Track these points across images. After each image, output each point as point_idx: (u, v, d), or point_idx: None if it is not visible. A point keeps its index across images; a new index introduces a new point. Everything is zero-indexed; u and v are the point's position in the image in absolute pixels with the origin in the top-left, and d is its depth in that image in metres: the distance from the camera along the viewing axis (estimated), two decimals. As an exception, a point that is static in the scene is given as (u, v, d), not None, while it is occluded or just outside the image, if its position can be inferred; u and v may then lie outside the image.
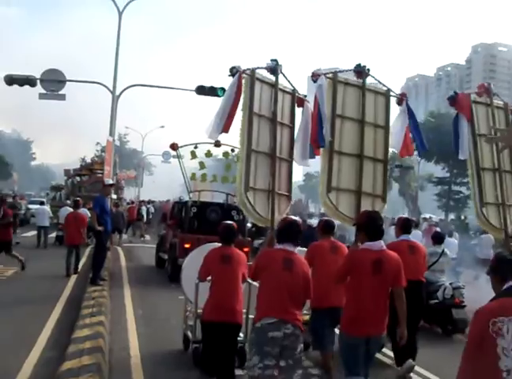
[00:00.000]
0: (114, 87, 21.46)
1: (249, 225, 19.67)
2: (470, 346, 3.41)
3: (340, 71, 7.44)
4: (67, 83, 21.07)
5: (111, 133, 21.47)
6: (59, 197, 30.62)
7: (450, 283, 10.32)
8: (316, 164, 8.04)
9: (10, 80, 19.90)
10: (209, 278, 6.55)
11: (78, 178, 30.11)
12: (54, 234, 21.95)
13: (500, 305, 3.42)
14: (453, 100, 7.57)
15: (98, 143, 72.34)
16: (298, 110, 7.68)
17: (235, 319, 6.37)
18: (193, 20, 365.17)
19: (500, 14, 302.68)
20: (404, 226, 8.03)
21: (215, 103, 7.40)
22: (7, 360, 6.85)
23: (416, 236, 21.19)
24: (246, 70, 6.96)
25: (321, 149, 7.31)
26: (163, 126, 60.67)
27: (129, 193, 72.82)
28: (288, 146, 7.47)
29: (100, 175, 25.32)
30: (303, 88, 8.66)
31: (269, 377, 5.24)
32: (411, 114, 7.79)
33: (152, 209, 33.49)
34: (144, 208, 30.49)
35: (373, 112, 7.50)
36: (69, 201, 23.57)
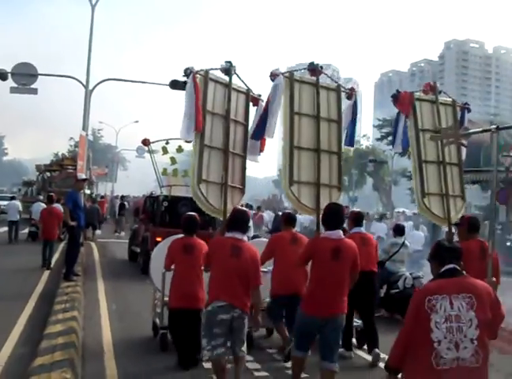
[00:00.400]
0: (87, 81, 21.26)
1: None
2: (409, 318, 3.89)
3: (295, 70, 7.79)
4: (40, 77, 20.81)
5: (84, 128, 21.27)
6: (31, 192, 30.32)
7: (411, 273, 10.77)
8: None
9: (-20, 74, 19.60)
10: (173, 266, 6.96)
11: (49, 174, 29.81)
12: (26, 230, 21.73)
13: (436, 285, 3.90)
14: (396, 98, 7.96)
15: (71, 138, 71.67)
16: (253, 109, 8.05)
17: (197, 305, 6.68)
18: (167, 15, 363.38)
19: (472, 11, 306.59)
20: (356, 219, 8.38)
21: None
22: (-22, 356, 6.77)
23: (381, 229, 21.68)
24: (200, 71, 7.30)
25: (282, 145, 7.66)
26: (137, 121, 60.36)
27: (103, 189, 72.29)
28: (242, 142, 7.85)
29: (71, 171, 25.09)
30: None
31: (218, 355, 5.73)
32: (355, 109, 8.21)
33: (126, 204, 33.30)
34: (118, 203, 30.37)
35: (326, 107, 7.85)
36: (41, 197, 23.32)
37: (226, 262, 5.88)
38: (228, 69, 7.53)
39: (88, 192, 26.84)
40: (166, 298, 7.49)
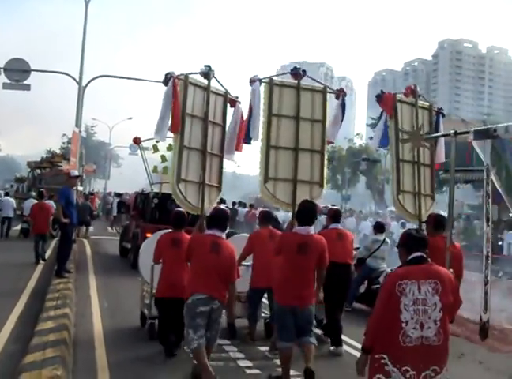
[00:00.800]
0: (81, 77, 21.25)
1: None
2: (381, 301, 4.29)
3: (279, 74, 8.41)
4: (34, 74, 20.75)
5: (77, 124, 21.24)
6: (22, 188, 30.21)
7: (391, 269, 10.82)
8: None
9: (-27, 70, 19.52)
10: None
11: (39, 171, 29.73)
12: (18, 227, 21.65)
13: (406, 271, 4.33)
14: (380, 98, 8.31)
15: (64, 134, 71.17)
16: (230, 111, 8.43)
17: (183, 294, 6.82)
18: (162, 13, 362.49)
19: (466, 11, 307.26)
20: (334, 216, 9.01)
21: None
22: (-32, 354, 6.75)
23: (366, 227, 21.88)
24: (180, 75, 7.67)
25: (260, 145, 8.14)
26: (130, 118, 60.29)
27: (96, 185, 72.11)
28: (219, 143, 8.23)
29: (61, 168, 25.00)
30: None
31: (201, 345, 6.10)
32: (344, 109, 8.63)
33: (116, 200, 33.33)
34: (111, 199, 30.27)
35: (310, 108, 8.31)
36: (33, 193, 23.26)
37: (206, 257, 6.28)
38: (207, 73, 7.92)
39: (80, 189, 26.77)
40: (154, 290, 7.85)
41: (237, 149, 8.59)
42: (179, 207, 8.08)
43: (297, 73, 8.30)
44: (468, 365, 7.97)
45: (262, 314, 8.83)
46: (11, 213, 21.06)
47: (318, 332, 8.50)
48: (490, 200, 5.13)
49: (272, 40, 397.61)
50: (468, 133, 5.03)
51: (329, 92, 8.62)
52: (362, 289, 11.39)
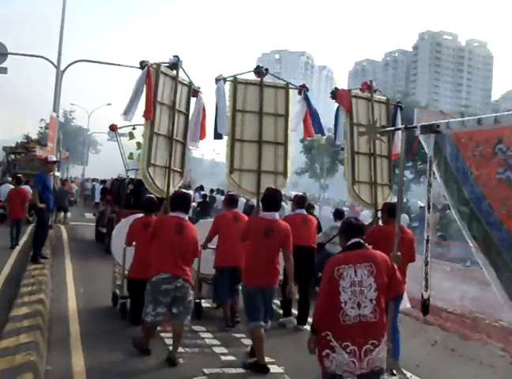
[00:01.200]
0: (59, 61, 20.99)
1: (194, 205, 20.77)
2: (323, 285, 4.72)
3: (240, 73, 8.94)
4: (12, 57, 20.45)
5: (55, 109, 21.00)
6: (-3, 173, 29.84)
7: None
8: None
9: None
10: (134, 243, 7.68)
11: (13, 156, 29.42)
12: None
13: (344, 256, 4.77)
14: (334, 95, 8.74)
15: (42, 119, 70.35)
16: (194, 100, 9.00)
17: None
18: (145, 1, 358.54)
19: (447, 3, 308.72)
20: (299, 202, 9.58)
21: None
22: None
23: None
24: (153, 64, 8.09)
25: (225, 139, 8.79)
26: (110, 104, 59.60)
27: (74, 171, 71.44)
28: (183, 130, 8.74)
29: (36, 154, 24.72)
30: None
31: (159, 321, 6.62)
32: (309, 102, 9.23)
33: (97, 186, 33.22)
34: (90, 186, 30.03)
35: (273, 104, 8.92)
36: (9, 178, 22.98)
37: (170, 238, 6.70)
38: (176, 64, 8.41)
39: (58, 174, 26.49)
40: (126, 272, 8.30)
41: (201, 137, 9.14)
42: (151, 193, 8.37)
43: (260, 71, 8.90)
44: (441, 352, 8.12)
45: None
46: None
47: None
48: (431, 189, 5.47)
49: (254, 29, 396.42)
50: (416, 127, 5.35)
51: (292, 88, 9.21)
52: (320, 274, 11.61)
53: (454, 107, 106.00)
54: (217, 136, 8.92)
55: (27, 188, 16.81)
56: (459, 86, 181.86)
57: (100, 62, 25.48)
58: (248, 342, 7.38)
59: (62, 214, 23.33)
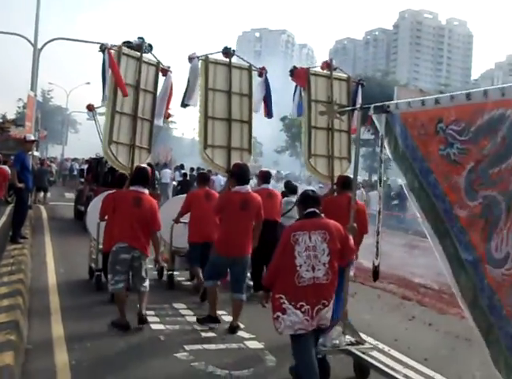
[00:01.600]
0: (36, 39, 20.68)
1: (174, 183, 21.01)
2: (279, 249, 5.19)
3: (210, 53, 9.25)
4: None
5: (33, 88, 20.74)
6: (-28, 154, 29.45)
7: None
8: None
9: None
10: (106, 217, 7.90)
11: (-12, 136, 29.08)
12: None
13: (299, 224, 5.28)
14: (292, 73, 9.09)
15: (20, 99, 69.23)
16: (162, 79, 9.30)
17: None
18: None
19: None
20: (264, 177, 10.18)
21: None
22: None
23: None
24: (113, 47, 8.40)
25: (198, 116, 9.08)
26: (88, 83, 58.80)
27: (53, 151, 70.61)
28: (150, 109, 9.04)
29: (11, 133, 24.45)
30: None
31: (119, 289, 7.02)
32: (267, 84, 9.67)
33: (76, 166, 32.98)
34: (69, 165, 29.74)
35: (239, 84, 9.36)
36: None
37: (129, 211, 7.11)
38: (140, 45, 8.77)
39: (37, 154, 26.26)
40: (100, 246, 8.75)
41: (165, 116, 9.55)
42: None
43: (228, 52, 9.28)
44: (419, 327, 8.26)
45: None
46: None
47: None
48: (383, 165, 5.92)
49: (234, 7, 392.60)
50: (369, 108, 5.68)
51: (254, 70, 9.63)
52: None
53: (434, 86, 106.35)
54: (183, 105, 9.21)
55: (5, 168, 16.61)
56: (439, 65, 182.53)
57: (78, 40, 25.18)
58: (229, 318, 7.52)
59: (42, 194, 23.19)
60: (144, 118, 8.91)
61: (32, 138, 14.08)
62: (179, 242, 9.43)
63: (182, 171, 25.56)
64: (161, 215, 8.94)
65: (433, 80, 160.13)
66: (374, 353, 6.27)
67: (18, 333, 5.85)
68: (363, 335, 7.29)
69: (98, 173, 16.38)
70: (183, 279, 9.99)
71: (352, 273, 7.37)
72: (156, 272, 9.89)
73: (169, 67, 9.32)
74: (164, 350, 6.36)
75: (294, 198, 11.67)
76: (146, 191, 7.38)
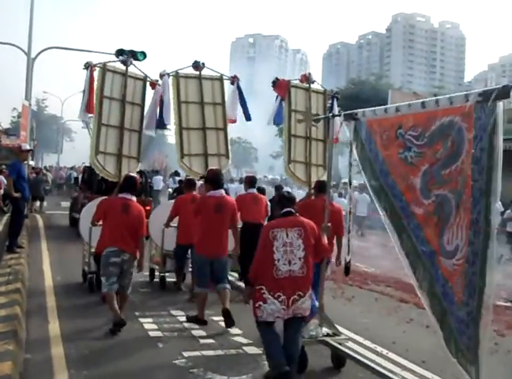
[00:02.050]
0: (29, 49, 20.70)
1: (170, 190, 21.19)
2: (259, 246, 5.60)
3: (180, 69, 9.91)
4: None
5: (27, 97, 20.77)
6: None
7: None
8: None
9: None
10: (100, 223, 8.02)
11: (-21, 146, 29.09)
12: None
13: (277, 222, 5.72)
14: (275, 84, 9.71)
15: (15, 108, 69.13)
16: (151, 92, 9.84)
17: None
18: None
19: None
20: (250, 182, 10.85)
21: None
22: None
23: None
24: (98, 64, 9.02)
25: (174, 128, 9.84)
26: (83, 91, 58.75)
27: (48, 160, 70.52)
28: (139, 120, 9.55)
29: (2, 143, 24.48)
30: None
31: (112, 290, 7.26)
32: (240, 91, 10.37)
33: (74, 174, 32.99)
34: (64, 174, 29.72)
35: (211, 94, 9.98)
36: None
37: (117, 217, 7.43)
38: (125, 61, 9.27)
39: (32, 163, 26.24)
40: (93, 250, 8.84)
41: (157, 126, 10.07)
42: None
43: (198, 65, 9.90)
44: (416, 329, 8.28)
45: (189, 270, 9.74)
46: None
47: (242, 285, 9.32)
48: (351, 168, 6.25)
49: (228, 13, 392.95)
50: (339, 115, 6.19)
51: (225, 79, 10.27)
52: None
53: (428, 89, 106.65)
54: (161, 125, 9.96)
55: (0, 178, 16.64)
56: (432, 67, 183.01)
57: (72, 49, 25.20)
58: (217, 319, 7.86)
59: (38, 203, 23.17)
60: (133, 129, 9.38)
61: (28, 148, 14.09)
62: (170, 245, 9.73)
63: (177, 178, 25.54)
64: (152, 220, 9.97)
65: (427, 82, 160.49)
66: (350, 344, 6.45)
67: (17, 343, 5.86)
68: (360, 339, 7.36)
69: (92, 181, 16.44)
70: (175, 280, 10.10)
71: (328, 272, 7.78)
72: (147, 274, 10.35)
73: (157, 81, 9.80)
74: (163, 358, 6.36)
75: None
76: (134, 198, 7.68)
